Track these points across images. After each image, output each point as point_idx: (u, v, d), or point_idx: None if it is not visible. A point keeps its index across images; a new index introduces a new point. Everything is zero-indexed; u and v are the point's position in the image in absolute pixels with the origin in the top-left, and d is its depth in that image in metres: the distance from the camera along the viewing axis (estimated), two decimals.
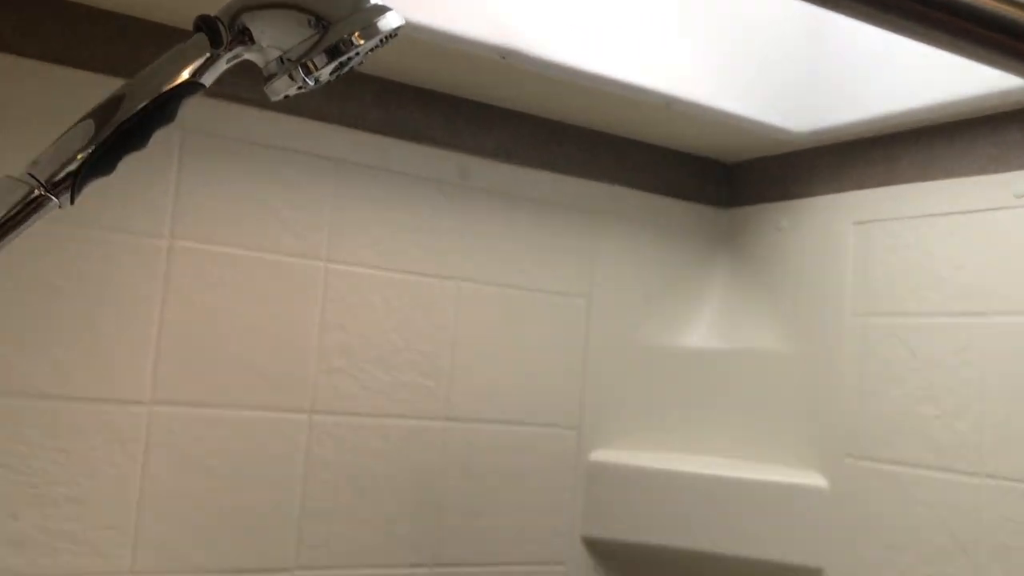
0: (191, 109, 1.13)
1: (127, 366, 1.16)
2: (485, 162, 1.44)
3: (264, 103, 1.25)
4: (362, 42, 0.70)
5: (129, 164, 1.18)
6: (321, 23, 0.70)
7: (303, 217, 1.29)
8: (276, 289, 1.26)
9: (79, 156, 0.66)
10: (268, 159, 1.26)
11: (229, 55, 0.72)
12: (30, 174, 0.65)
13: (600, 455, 1.52)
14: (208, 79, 0.72)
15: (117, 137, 0.67)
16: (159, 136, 1.17)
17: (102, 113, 0.67)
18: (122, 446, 1.16)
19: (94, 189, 1.15)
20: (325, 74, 0.74)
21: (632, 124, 1.53)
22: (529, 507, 1.46)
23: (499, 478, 1.43)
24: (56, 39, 1.14)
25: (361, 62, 0.74)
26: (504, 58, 1.24)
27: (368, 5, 0.71)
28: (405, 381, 1.36)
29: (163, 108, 0.69)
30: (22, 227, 0.65)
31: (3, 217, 0.63)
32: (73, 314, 1.14)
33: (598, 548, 1.51)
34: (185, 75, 0.70)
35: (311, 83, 0.74)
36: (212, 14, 0.70)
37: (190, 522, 1.20)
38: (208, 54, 0.71)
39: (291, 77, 0.74)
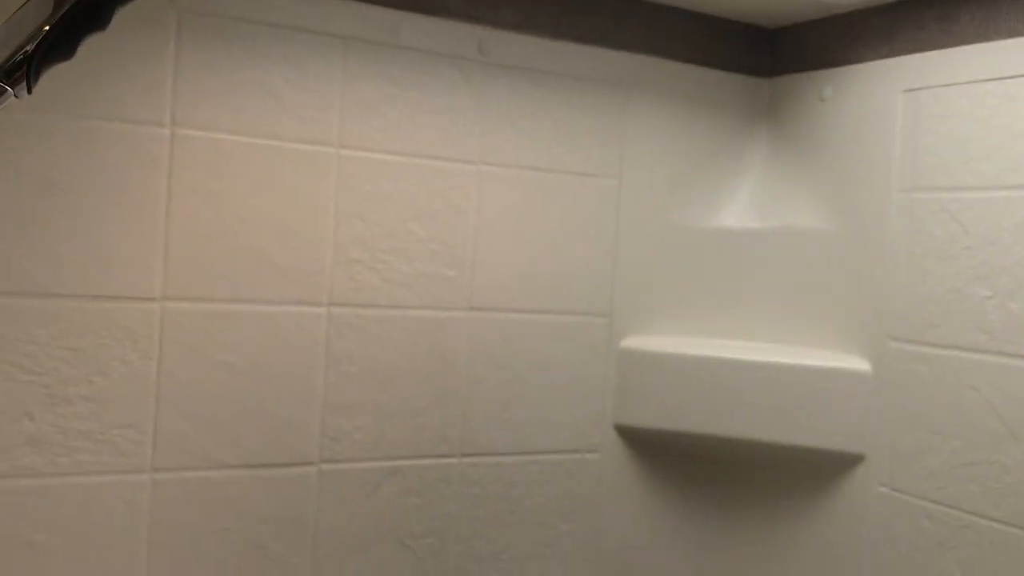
0: None
1: (135, 262, 1.12)
2: (506, 35, 1.34)
3: None
4: None
5: (123, 49, 1.10)
6: None
7: (311, 100, 1.21)
8: (287, 178, 1.20)
9: (33, 40, 0.59)
10: (271, 39, 1.18)
11: None
12: None
13: (632, 342, 1.47)
14: None
15: (74, 15, 0.60)
16: (153, 17, 1.09)
17: None
18: (134, 344, 1.13)
19: (84, 76, 1.09)
20: None
21: None
22: (560, 396, 1.42)
23: (528, 368, 1.39)
24: None
25: None
26: None
27: None
28: (426, 272, 1.30)
29: None
30: None
31: None
32: (75, 209, 1.09)
33: (631, 436, 1.48)
34: None
35: None
36: None
37: (210, 418, 1.17)
38: None
39: None
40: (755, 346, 1.48)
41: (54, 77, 1.05)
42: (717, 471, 1.52)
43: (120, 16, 1.07)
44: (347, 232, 1.24)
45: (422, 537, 1.32)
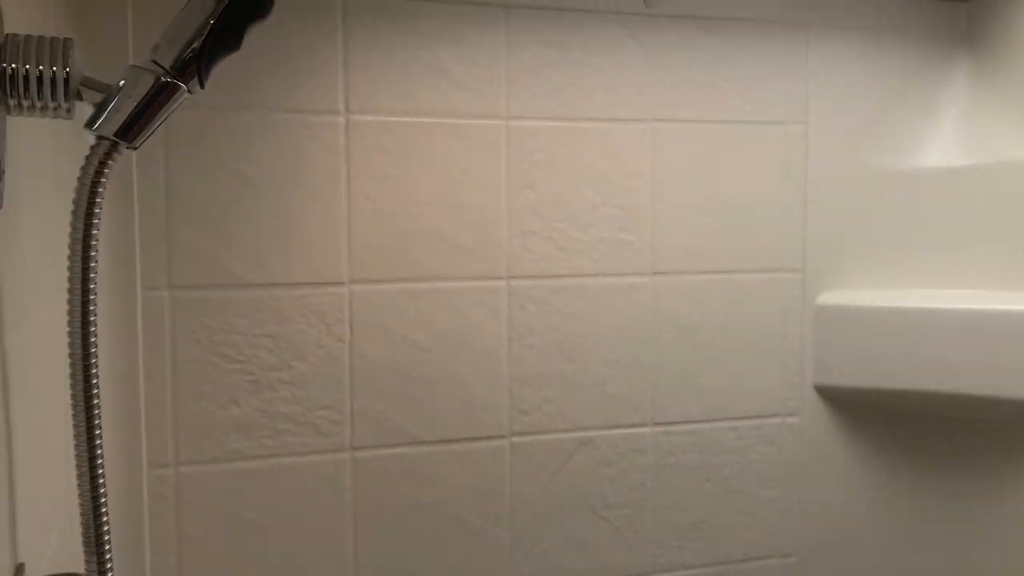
0: None
1: (323, 248, 1.15)
2: None
3: None
4: None
5: (294, 40, 1.13)
6: None
7: (476, 73, 1.20)
8: (458, 154, 1.20)
9: (199, 36, 0.60)
10: (434, 15, 1.18)
11: None
12: (154, 61, 0.60)
13: (828, 298, 1.38)
14: None
15: (235, 6, 0.60)
16: (319, 4, 1.11)
17: None
18: (327, 328, 1.16)
19: (264, 71, 1.12)
20: None
21: None
22: (754, 359, 1.35)
23: (718, 331, 1.33)
24: None
25: None
26: None
27: None
28: (604, 237, 1.27)
29: None
30: (159, 116, 0.60)
31: (135, 109, 0.59)
32: (264, 201, 1.13)
33: (832, 396, 1.39)
34: None
35: None
36: None
37: (403, 396, 1.20)
38: None
39: None
40: (963, 294, 1.36)
41: (236, 74, 1.09)
42: (924, 428, 1.41)
43: (288, 7, 1.10)
44: (520, 203, 1.23)
45: (617, 507, 1.30)
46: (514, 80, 1.22)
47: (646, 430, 1.31)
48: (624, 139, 1.27)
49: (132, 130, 0.60)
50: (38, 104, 0.58)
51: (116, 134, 0.59)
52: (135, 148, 0.61)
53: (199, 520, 1.13)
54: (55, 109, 0.59)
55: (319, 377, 1.16)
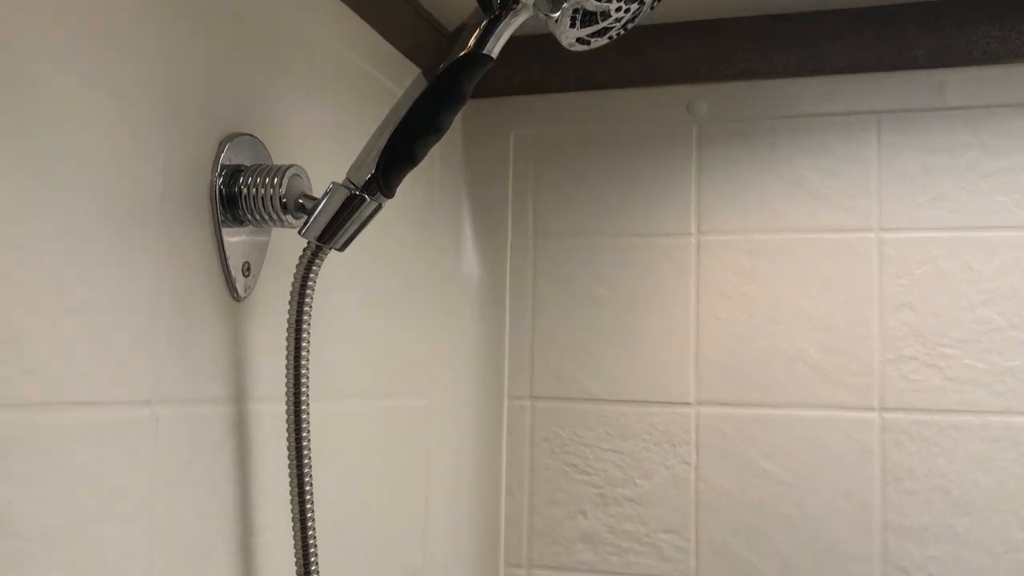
0: (708, 95, 1.11)
1: (669, 367, 1.15)
2: None
3: (779, 72, 1.14)
4: None
5: (650, 164, 1.19)
6: None
7: (843, 185, 1.12)
8: (821, 271, 1.11)
9: (377, 155, 0.71)
10: (795, 129, 1.14)
11: (505, 21, 0.70)
12: (348, 179, 0.72)
13: None
14: (491, 49, 0.70)
15: (406, 127, 0.70)
16: (675, 131, 1.15)
17: (395, 107, 0.71)
18: (673, 448, 1.15)
19: (619, 199, 1.19)
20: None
21: None
22: None
23: None
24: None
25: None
26: None
27: None
28: (1011, 367, 1.05)
29: (449, 87, 0.70)
30: (352, 223, 0.72)
31: (332, 218, 0.72)
32: (615, 320, 1.18)
33: None
34: (467, 47, 0.70)
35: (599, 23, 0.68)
36: None
37: (753, 531, 1.11)
38: (484, 22, 0.70)
39: (573, 22, 0.70)
40: None
41: (598, 204, 1.18)
42: None
43: (645, 134, 1.16)
44: (896, 324, 1.08)
45: None
46: (887, 189, 1.10)
47: None
48: None
49: (330, 234, 0.72)
50: (264, 217, 0.74)
51: (319, 238, 0.72)
52: (340, 250, 0.74)
53: None
54: (277, 220, 0.74)
55: (664, 498, 1.14)
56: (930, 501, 1.06)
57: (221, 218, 0.73)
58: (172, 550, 0.65)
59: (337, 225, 0.72)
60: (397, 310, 1.04)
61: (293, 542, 0.75)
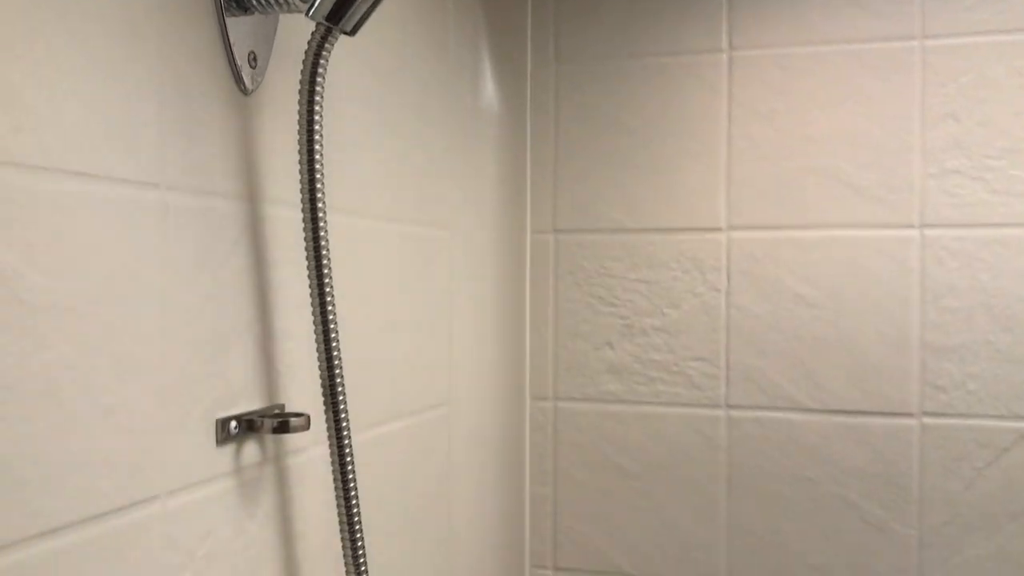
0: None
1: (700, 192, 1.11)
2: None
3: None
4: None
5: None
6: None
7: None
8: (859, 83, 1.05)
9: None
10: None
11: None
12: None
13: None
14: None
15: None
16: None
17: None
18: (703, 275, 1.11)
19: (643, 16, 1.13)
20: None
21: None
22: None
23: None
24: None
25: None
26: None
27: None
28: None
29: None
30: (361, 3, 0.67)
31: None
32: (642, 147, 1.13)
33: None
34: None
35: None
36: None
37: (785, 355, 1.08)
38: None
39: None
40: None
41: (621, 24, 1.11)
42: None
43: None
44: (939, 136, 1.03)
45: None
46: None
47: None
48: None
49: (340, 14, 0.67)
50: (270, 0, 0.68)
51: (327, 18, 0.67)
52: (351, 33, 0.69)
53: (573, 457, 1.16)
54: (283, 3, 0.69)
55: (693, 326, 1.11)
56: (971, 318, 1.02)
57: (224, 3, 0.68)
58: (187, 342, 0.62)
59: (347, 2, 0.67)
60: (413, 138, 0.99)
61: (316, 353, 0.72)
